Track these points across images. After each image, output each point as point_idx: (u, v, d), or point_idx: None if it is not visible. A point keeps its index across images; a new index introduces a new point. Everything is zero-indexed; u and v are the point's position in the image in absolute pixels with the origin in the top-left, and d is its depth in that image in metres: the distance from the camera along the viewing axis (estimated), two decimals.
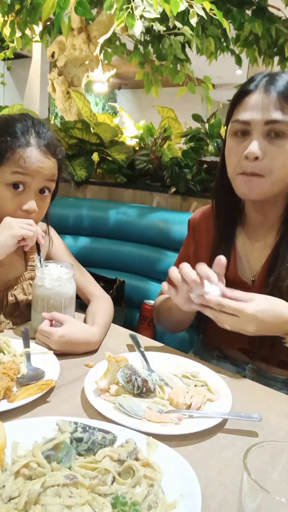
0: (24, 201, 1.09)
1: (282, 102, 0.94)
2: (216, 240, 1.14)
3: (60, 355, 0.97)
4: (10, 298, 1.19)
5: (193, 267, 1.23)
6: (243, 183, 1.00)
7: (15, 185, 1.08)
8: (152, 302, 1.77)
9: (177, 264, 1.29)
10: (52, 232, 1.32)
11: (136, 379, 0.84)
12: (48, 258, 1.28)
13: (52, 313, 1.03)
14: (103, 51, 3.07)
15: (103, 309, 1.16)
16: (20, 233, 1.03)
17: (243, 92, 0.98)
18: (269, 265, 1.06)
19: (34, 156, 1.08)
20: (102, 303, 1.19)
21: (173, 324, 1.23)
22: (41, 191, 1.12)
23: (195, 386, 0.89)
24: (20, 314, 1.21)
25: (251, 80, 0.99)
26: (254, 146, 0.95)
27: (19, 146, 1.07)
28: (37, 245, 1.11)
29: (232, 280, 1.07)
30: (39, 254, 1.12)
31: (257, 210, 1.09)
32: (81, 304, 1.26)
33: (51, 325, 1.02)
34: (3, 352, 0.93)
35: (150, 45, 2.81)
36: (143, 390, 0.84)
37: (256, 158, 0.95)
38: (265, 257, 1.08)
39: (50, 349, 0.98)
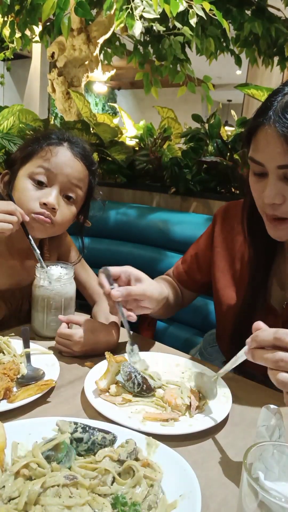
0: (44, 195, 1.08)
1: None
2: (252, 266, 1.04)
3: (60, 355, 0.97)
4: (25, 306, 1.19)
5: (204, 260, 1.19)
6: (271, 228, 0.92)
7: (40, 182, 1.08)
8: None
9: (188, 255, 1.25)
10: (69, 239, 1.34)
11: (135, 376, 0.84)
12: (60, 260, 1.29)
13: (69, 316, 1.03)
14: (103, 52, 3.07)
15: None
16: None
17: (255, 124, 0.86)
18: None
19: (62, 153, 1.09)
20: None
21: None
22: (66, 197, 1.11)
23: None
24: None
25: (265, 106, 0.84)
26: (269, 191, 0.85)
27: (50, 144, 1.10)
28: (24, 227, 1.07)
29: (265, 308, 1.02)
30: (27, 236, 1.08)
31: None
32: (81, 304, 1.26)
33: (68, 327, 1.02)
34: (3, 352, 0.93)
35: (149, 45, 2.81)
36: (143, 388, 0.84)
37: (274, 205, 0.86)
38: None
39: (72, 352, 0.98)
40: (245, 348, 0.69)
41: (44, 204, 1.07)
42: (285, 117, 0.80)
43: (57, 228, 1.13)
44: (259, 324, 0.68)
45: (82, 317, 1.03)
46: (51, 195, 1.08)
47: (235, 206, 1.15)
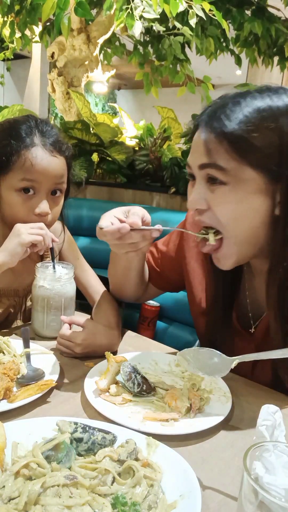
0: (35, 204, 1.08)
1: (215, 142, 0.79)
2: (216, 289, 1.01)
3: (60, 355, 0.97)
4: (28, 303, 1.19)
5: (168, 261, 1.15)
6: (213, 258, 0.89)
7: (25, 189, 1.07)
8: (152, 303, 1.77)
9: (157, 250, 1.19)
10: (66, 231, 1.33)
11: (135, 376, 0.84)
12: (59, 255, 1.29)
13: (71, 317, 1.03)
14: (102, 52, 3.08)
15: (116, 309, 1.15)
16: (28, 240, 1.01)
17: (194, 125, 0.88)
18: None
19: (40, 156, 1.06)
20: (113, 303, 1.19)
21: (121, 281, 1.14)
22: (53, 192, 1.11)
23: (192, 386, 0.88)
24: None
25: (203, 111, 0.86)
26: (193, 195, 0.84)
27: (24, 147, 1.06)
28: (51, 249, 1.10)
29: (232, 329, 1.00)
30: (53, 259, 1.11)
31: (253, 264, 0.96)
32: (81, 304, 1.26)
33: (70, 328, 1.01)
34: (3, 352, 0.93)
35: (149, 45, 2.82)
36: (143, 388, 0.84)
37: (198, 210, 0.83)
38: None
39: (73, 353, 0.98)
40: None
41: (39, 213, 1.09)
42: (211, 119, 0.81)
43: (51, 225, 1.14)
44: None
45: (83, 318, 1.03)
46: (43, 203, 1.08)
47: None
